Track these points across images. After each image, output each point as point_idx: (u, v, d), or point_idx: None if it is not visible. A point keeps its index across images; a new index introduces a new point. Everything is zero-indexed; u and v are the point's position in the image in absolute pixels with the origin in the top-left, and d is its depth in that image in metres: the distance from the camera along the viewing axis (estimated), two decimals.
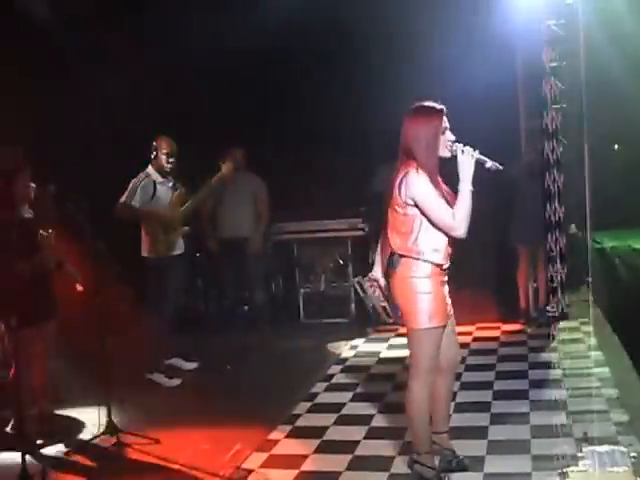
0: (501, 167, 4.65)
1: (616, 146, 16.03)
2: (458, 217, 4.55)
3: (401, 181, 4.60)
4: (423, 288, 4.62)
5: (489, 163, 4.62)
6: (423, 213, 4.59)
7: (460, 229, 4.57)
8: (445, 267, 4.75)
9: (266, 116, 10.31)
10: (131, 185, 7.68)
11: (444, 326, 4.77)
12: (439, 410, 5.05)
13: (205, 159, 8.26)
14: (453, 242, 4.72)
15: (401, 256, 4.66)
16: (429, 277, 4.63)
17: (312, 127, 10.31)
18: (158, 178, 7.77)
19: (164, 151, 7.75)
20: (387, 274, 4.83)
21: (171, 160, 7.78)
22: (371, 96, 9.67)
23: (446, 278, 4.82)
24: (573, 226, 9.95)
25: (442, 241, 4.65)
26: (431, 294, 4.63)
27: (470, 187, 4.58)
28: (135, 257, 7.81)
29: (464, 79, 8.71)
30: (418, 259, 4.62)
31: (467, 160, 4.59)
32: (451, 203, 4.61)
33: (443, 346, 4.83)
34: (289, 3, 8.95)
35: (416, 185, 4.55)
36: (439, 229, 4.61)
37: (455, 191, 4.64)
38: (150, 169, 7.79)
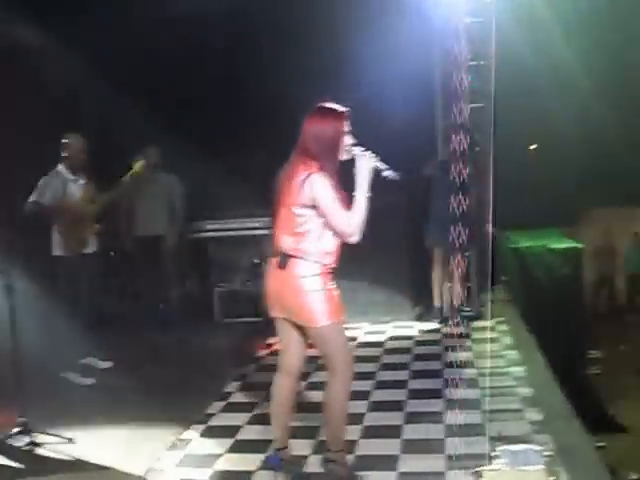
0: (397, 177, 4.62)
1: (533, 146, 16.30)
2: (354, 223, 4.52)
3: (304, 181, 4.49)
4: (314, 286, 4.56)
5: (386, 172, 4.60)
6: (320, 215, 4.52)
7: (355, 235, 4.55)
8: (334, 267, 4.72)
9: (182, 114, 10.14)
10: (40, 183, 7.53)
11: (342, 323, 4.76)
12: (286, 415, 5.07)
13: (123, 158, 8.03)
14: (344, 245, 4.69)
15: (290, 256, 4.59)
16: (318, 275, 4.58)
17: (228, 126, 10.20)
18: (69, 175, 7.63)
19: (74, 148, 7.61)
20: (273, 272, 4.73)
21: (81, 157, 7.65)
22: (288, 94, 9.55)
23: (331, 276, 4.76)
24: (488, 225, 9.97)
25: (334, 244, 4.62)
26: (323, 291, 4.58)
27: (367, 194, 4.55)
28: (46, 256, 7.68)
29: (381, 77, 8.67)
30: (309, 260, 4.56)
31: (365, 165, 4.56)
32: (347, 207, 4.57)
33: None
34: None
35: (320, 187, 4.46)
36: (334, 233, 4.57)
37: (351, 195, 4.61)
38: (60, 167, 7.64)
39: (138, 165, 7.87)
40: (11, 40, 9.00)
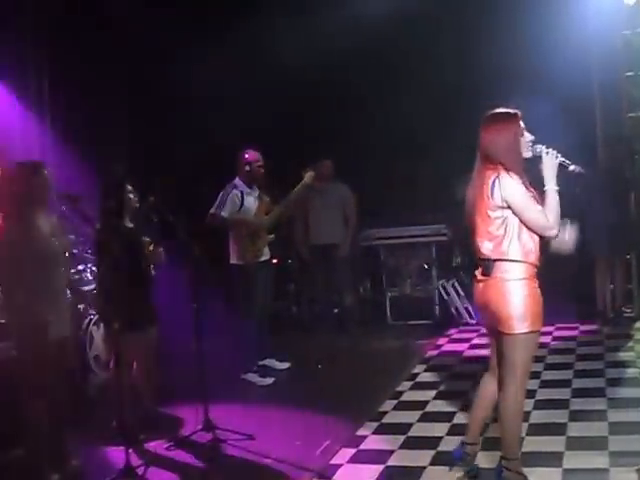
0: (583, 171, 4.55)
1: None
2: (551, 217, 4.40)
3: (493, 184, 4.43)
4: (520, 291, 4.42)
5: (572, 166, 4.51)
6: (516, 215, 4.42)
7: (554, 229, 4.41)
8: (538, 269, 4.54)
9: (351, 128, 10.36)
10: (220, 196, 7.81)
11: (540, 331, 4.59)
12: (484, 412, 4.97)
13: (296, 171, 8.29)
14: (542, 244, 4.54)
15: (495, 260, 4.49)
16: (525, 279, 4.43)
17: (396, 138, 10.32)
18: (245, 189, 7.88)
19: (251, 162, 7.86)
20: (479, 280, 4.63)
21: (258, 171, 7.90)
22: (453, 104, 9.61)
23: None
24: None
25: (534, 242, 4.47)
26: (528, 297, 4.41)
27: (555, 186, 4.44)
28: (225, 264, 7.96)
29: (543, 86, 8.63)
30: (513, 261, 4.44)
31: (551, 161, 4.46)
32: (539, 203, 4.46)
33: None
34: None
35: (510, 187, 4.39)
36: (532, 230, 4.44)
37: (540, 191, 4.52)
38: (237, 180, 7.91)
39: (308, 176, 8.03)
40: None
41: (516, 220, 4.43)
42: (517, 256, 4.43)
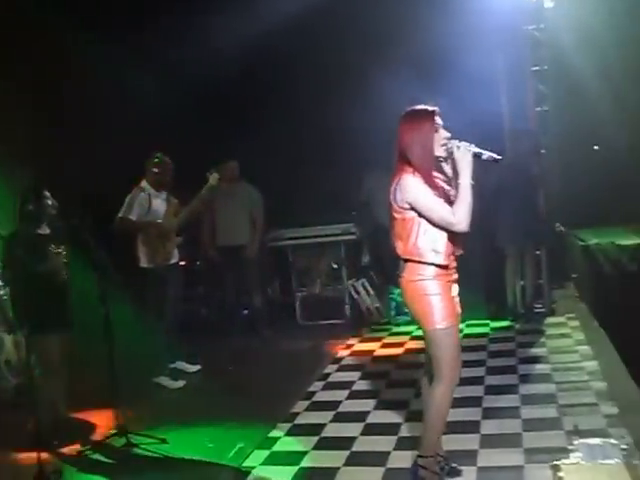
0: (499, 157, 4.47)
1: (596, 146, 15.99)
2: (460, 211, 4.33)
3: (395, 187, 4.42)
4: (430, 290, 4.42)
5: (486, 155, 4.42)
6: (421, 215, 4.39)
7: (461, 223, 4.34)
8: (451, 266, 4.53)
9: (259, 128, 10.18)
10: (127, 200, 7.64)
11: (457, 325, 4.61)
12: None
13: (201, 172, 8.07)
14: (455, 241, 4.49)
15: (405, 260, 4.49)
16: (434, 278, 4.43)
17: (303, 137, 10.21)
18: (152, 191, 7.72)
19: (158, 165, 7.71)
20: (400, 279, 4.60)
21: (165, 174, 7.74)
22: (360, 104, 9.50)
23: (455, 276, 4.61)
24: (558, 225, 9.83)
25: (442, 242, 4.43)
26: (439, 295, 4.43)
27: (470, 181, 4.36)
28: (133, 267, 7.75)
29: (449, 82, 8.56)
30: (420, 262, 4.42)
31: (464, 155, 4.38)
32: (452, 200, 4.43)
33: None
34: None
35: (411, 188, 4.36)
36: (441, 228, 4.40)
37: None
38: (144, 183, 7.74)
39: (212, 178, 7.90)
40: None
41: (421, 221, 4.41)
42: (423, 257, 4.42)
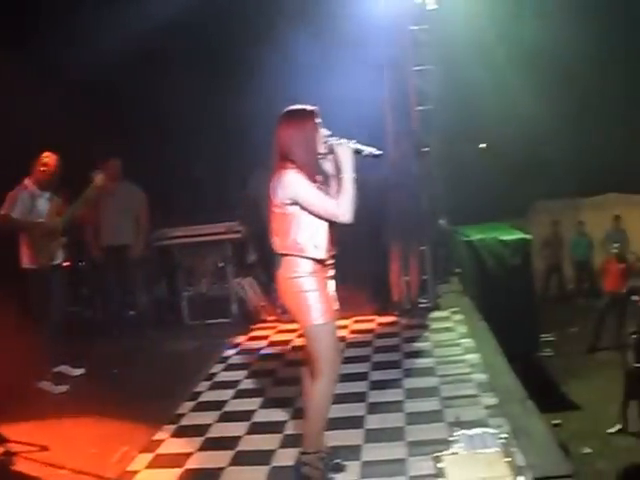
0: (379, 152, 4.53)
1: (482, 145, 16.43)
2: (344, 203, 4.36)
3: (276, 183, 4.43)
4: (307, 286, 4.44)
5: (366, 151, 4.49)
6: (305, 210, 4.41)
7: (345, 215, 4.37)
8: (328, 263, 4.57)
9: (143, 127, 10.06)
10: (9, 197, 7.45)
11: (335, 321, 4.61)
12: None
13: (84, 172, 7.90)
14: (332, 237, 4.54)
15: (283, 255, 4.49)
16: (312, 274, 4.45)
17: (187, 136, 10.12)
18: (36, 190, 7.54)
19: (42, 164, 7.52)
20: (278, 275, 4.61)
21: (49, 173, 7.55)
22: (243, 103, 9.46)
23: (332, 273, 4.66)
24: (442, 221, 10.00)
25: (322, 237, 4.46)
26: (317, 291, 4.46)
27: (351, 174, 4.40)
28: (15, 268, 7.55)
29: (332, 85, 8.59)
30: (298, 256, 4.44)
31: (344, 151, 4.42)
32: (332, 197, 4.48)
33: None
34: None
35: (293, 183, 4.38)
36: (325, 221, 4.44)
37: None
38: (27, 181, 7.55)
39: (98, 178, 7.73)
40: None
41: (302, 216, 4.43)
42: (303, 251, 4.44)
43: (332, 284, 4.68)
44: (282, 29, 9.41)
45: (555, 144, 14.92)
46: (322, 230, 4.46)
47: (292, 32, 9.18)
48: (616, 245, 13.86)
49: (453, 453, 4.89)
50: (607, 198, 17.55)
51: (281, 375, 7.14)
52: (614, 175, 16.40)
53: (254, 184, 9.27)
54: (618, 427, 9.75)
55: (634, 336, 10.03)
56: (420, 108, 9.19)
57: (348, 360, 7.20)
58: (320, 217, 4.42)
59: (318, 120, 4.52)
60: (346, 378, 6.57)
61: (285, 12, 9.45)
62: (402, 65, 9.25)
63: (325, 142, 4.51)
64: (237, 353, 8.20)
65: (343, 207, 4.38)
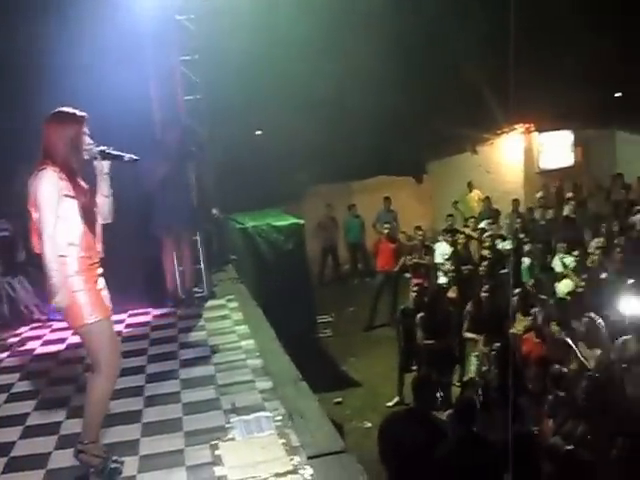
0: (137, 158, 4.74)
1: (258, 132, 16.59)
2: (102, 206, 4.62)
3: (32, 180, 4.39)
4: (76, 286, 4.40)
5: (126, 157, 4.70)
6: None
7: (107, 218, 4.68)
8: (95, 261, 4.55)
9: None
10: None
11: (109, 318, 4.62)
12: None
13: None
14: (98, 236, 4.60)
15: (42, 255, 4.38)
16: (79, 273, 4.41)
17: None
18: None
19: None
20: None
21: None
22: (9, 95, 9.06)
23: (100, 270, 4.63)
24: (215, 210, 10.05)
25: (77, 235, 4.42)
26: (84, 290, 4.42)
27: (108, 180, 4.65)
28: None
29: (97, 79, 8.38)
30: (60, 256, 4.36)
31: (101, 166, 4.63)
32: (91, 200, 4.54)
33: None
34: None
35: (41, 183, 4.34)
36: (86, 220, 4.46)
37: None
38: None
39: None
40: None
41: (61, 214, 4.39)
42: (61, 251, 4.38)
43: (102, 281, 4.65)
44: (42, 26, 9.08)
45: (326, 131, 15.27)
46: (77, 229, 4.43)
47: (54, 27, 8.88)
48: (387, 226, 14.47)
49: (229, 439, 4.98)
50: (377, 181, 18.20)
51: (55, 375, 6.93)
52: (383, 159, 17.05)
53: (20, 181, 8.93)
54: (396, 400, 10.26)
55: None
56: (188, 98, 9.15)
57: (124, 354, 7.03)
58: (67, 219, 4.40)
59: (84, 126, 4.55)
60: (122, 372, 6.48)
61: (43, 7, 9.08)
62: (169, 55, 9.16)
63: (88, 149, 4.57)
64: (9, 355, 7.89)
65: (103, 210, 4.61)
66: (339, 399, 10.44)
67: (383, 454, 6.65)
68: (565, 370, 8.18)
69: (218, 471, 4.61)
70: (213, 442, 4.94)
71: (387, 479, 6.61)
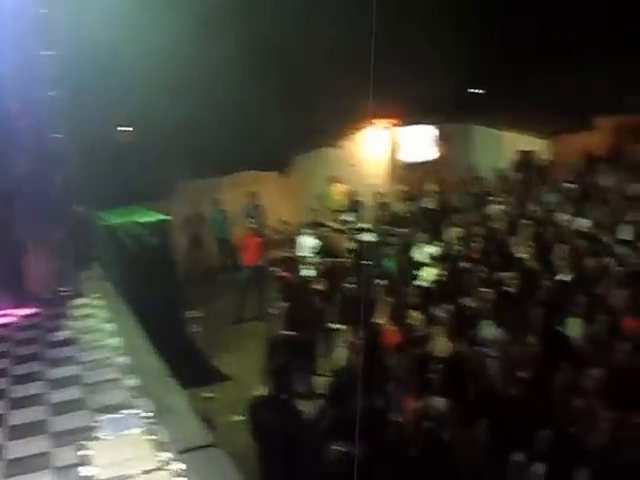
0: None
1: (126, 128, 16.32)
2: None
3: None
4: None
5: None
6: None
7: None
8: None
9: None
10: None
11: None
12: None
13: None
14: None
15: None
16: None
17: None
18: None
19: None
20: None
21: None
22: None
23: None
24: (79, 207, 9.87)
25: None
26: None
27: None
28: None
29: None
30: None
31: None
32: None
33: None
34: None
35: None
36: None
37: None
38: None
39: None
40: None
41: None
42: None
43: None
44: None
45: (194, 127, 15.18)
46: None
47: None
48: (252, 220, 14.52)
49: (97, 439, 4.96)
50: (243, 176, 18.20)
51: None
52: (248, 154, 17.07)
53: None
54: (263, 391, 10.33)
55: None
56: (50, 94, 8.95)
57: None
58: None
59: None
60: None
61: None
62: (29, 50, 8.94)
63: None
64: None
65: None
66: (209, 394, 10.44)
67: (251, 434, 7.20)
68: (423, 354, 8.48)
69: (87, 471, 4.59)
70: (81, 442, 4.91)
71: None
